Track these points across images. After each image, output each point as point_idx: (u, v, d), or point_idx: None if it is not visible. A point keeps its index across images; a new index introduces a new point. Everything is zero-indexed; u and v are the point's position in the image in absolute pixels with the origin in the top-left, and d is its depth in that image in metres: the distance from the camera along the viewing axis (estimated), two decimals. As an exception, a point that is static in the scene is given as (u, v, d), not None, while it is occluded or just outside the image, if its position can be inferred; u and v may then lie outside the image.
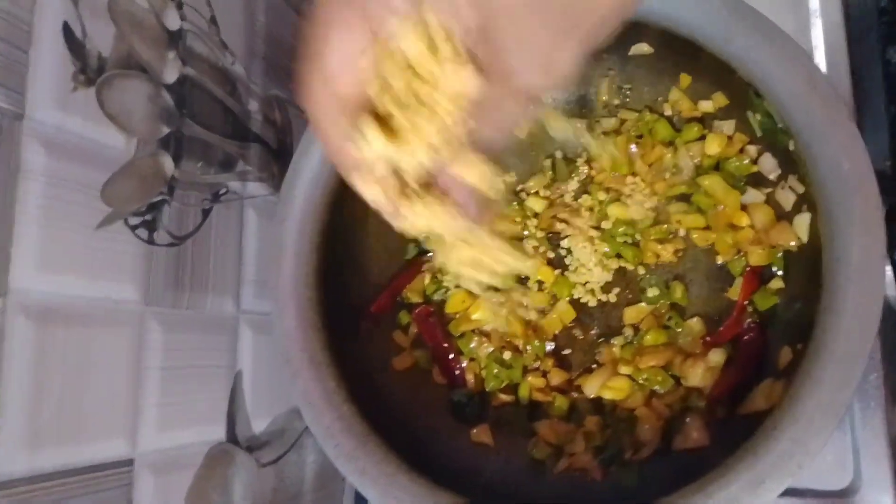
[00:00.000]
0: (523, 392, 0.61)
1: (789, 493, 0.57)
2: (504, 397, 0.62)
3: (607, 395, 0.58)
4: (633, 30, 0.58)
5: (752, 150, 0.57)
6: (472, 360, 0.63)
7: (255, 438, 0.72)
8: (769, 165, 0.56)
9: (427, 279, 0.65)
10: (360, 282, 0.64)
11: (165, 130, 0.62)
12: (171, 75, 0.63)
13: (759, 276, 0.56)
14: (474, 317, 0.62)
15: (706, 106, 0.59)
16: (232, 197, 0.70)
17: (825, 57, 0.60)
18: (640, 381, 0.58)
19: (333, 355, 0.57)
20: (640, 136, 0.61)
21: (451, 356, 0.63)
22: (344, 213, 0.61)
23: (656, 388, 0.57)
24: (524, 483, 0.58)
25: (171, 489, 0.62)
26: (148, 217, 0.61)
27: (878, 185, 0.45)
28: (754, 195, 0.56)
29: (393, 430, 0.57)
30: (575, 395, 0.60)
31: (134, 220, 0.60)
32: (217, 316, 0.69)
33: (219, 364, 0.69)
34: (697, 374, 0.56)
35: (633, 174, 0.62)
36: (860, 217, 0.45)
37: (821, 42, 0.61)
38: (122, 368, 0.58)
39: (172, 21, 0.64)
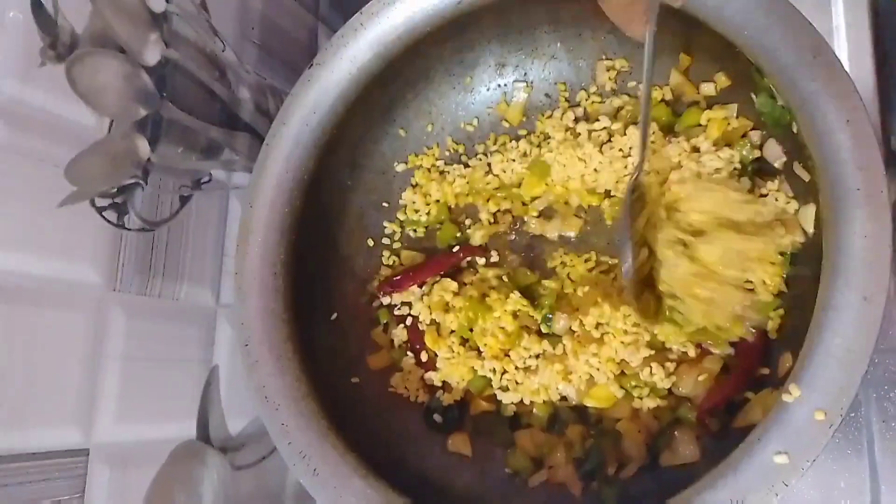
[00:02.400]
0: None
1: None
2: (484, 405, 0.57)
3: (591, 403, 0.53)
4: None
5: (756, 136, 0.52)
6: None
7: (230, 439, 0.68)
8: (774, 152, 0.51)
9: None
10: (339, 272, 0.61)
11: (143, 112, 0.60)
12: (152, 57, 0.61)
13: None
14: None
15: (708, 89, 0.54)
16: (215, 185, 0.68)
17: (846, 37, 0.54)
18: (629, 388, 0.52)
19: (297, 347, 0.54)
20: (636, 123, 0.56)
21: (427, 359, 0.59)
22: (320, 199, 0.58)
23: (643, 395, 0.51)
24: (498, 497, 0.54)
25: (130, 485, 0.59)
26: (118, 199, 0.59)
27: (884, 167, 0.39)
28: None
29: (360, 431, 0.53)
30: (557, 402, 0.55)
31: (102, 202, 0.58)
32: (192, 307, 0.66)
33: (191, 358, 0.66)
34: (690, 382, 0.50)
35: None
36: (864, 201, 0.39)
37: (842, 22, 0.55)
38: (78, 353, 0.56)
39: (157, 3, 0.62)
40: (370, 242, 0.63)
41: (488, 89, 0.63)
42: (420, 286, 0.60)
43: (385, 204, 0.63)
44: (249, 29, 0.75)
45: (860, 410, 0.53)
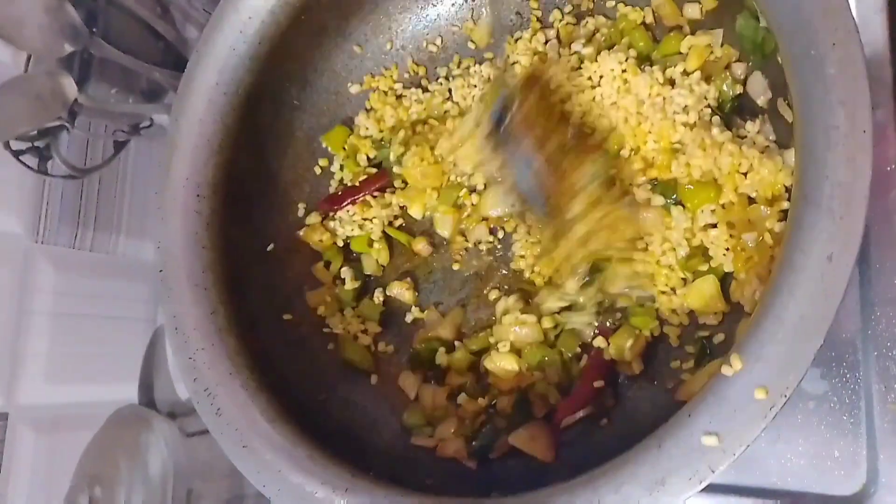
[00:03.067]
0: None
1: (786, 497, 0.45)
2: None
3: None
4: None
5: (740, 69, 0.45)
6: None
7: (179, 404, 0.64)
8: (759, 86, 0.43)
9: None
10: (280, 200, 0.55)
11: (68, 49, 0.55)
12: (78, -13, 0.56)
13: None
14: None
15: (692, 11, 0.47)
16: (157, 131, 0.63)
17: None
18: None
19: (219, 277, 0.48)
20: (611, 48, 0.49)
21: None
22: (260, 117, 0.52)
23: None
24: (421, 453, 0.48)
25: (61, 450, 0.55)
26: (39, 143, 0.55)
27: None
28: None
29: (285, 372, 0.48)
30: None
31: (19, 145, 0.54)
32: (133, 262, 0.62)
33: (133, 316, 0.62)
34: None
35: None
36: (841, 141, 0.32)
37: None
38: (-4, 308, 0.52)
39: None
40: (317, 170, 0.57)
41: (454, 3, 0.56)
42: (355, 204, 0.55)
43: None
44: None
45: (858, 371, 0.45)
